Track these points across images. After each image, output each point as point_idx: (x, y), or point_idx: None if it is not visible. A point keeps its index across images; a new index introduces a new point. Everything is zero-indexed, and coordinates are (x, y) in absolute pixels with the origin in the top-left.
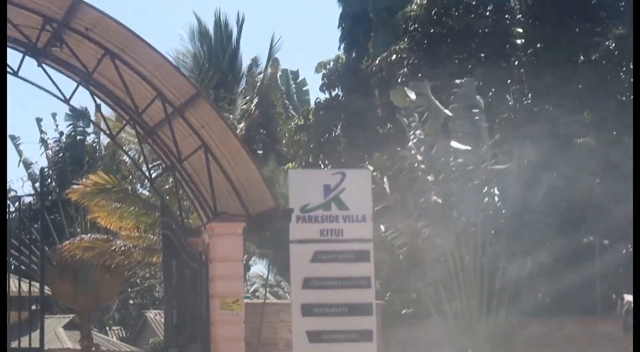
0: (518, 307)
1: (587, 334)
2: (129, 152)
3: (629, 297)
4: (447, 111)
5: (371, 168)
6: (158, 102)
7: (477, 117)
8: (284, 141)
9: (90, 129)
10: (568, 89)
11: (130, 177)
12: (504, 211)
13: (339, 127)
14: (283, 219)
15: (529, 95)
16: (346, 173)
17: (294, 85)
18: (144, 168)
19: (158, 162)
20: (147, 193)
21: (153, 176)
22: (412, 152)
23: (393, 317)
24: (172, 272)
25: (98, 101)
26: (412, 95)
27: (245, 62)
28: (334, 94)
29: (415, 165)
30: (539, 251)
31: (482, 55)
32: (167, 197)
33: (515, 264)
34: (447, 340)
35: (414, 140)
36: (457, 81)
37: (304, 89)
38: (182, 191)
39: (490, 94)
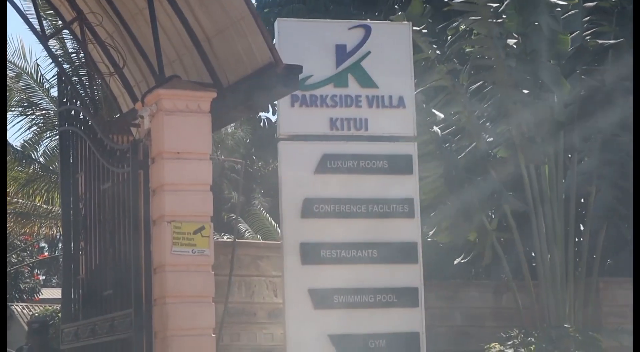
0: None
1: None
2: None
3: None
4: None
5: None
6: None
7: None
8: None
9: None
10: None
11: None
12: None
13: None
14: (286, 85)
15: None
16: (372, 27)
17: None
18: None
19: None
20: (20, 142)
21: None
22: None
23: (438, 270)
24: (78, 192)
25: None
26: None
27: None
28: None
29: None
30: None
31: None
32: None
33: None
34: (519, 307)
35: None
36: None
37: None
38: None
39: None
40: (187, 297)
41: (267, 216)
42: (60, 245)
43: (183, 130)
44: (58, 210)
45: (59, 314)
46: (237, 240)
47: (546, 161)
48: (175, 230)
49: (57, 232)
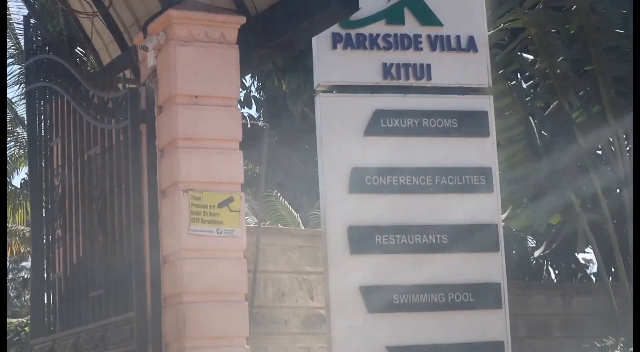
0: None
1: None
2: None
3: None
4: None
5: None
6: None
7: None
8: None
9: None
10: None
11: None
12: None
13: None
14: (342, 4)
15: None
16: None
17: None
18: None
19: None
20: None
21: None
22: None
23: (515, 262)
24: (52, 166)
25: None
26: None
27: None
28: None
29: None
30: None
31: None
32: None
33: None
34: (614, 309)
35: None
36: None
37: None
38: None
39: None
40: (212, 294)
41: (286, 203)
42: (11, 274)
43: (202, 66)
44: (12, 227)
45: (26, 328)
46: (262, 226)
47: None
48: (194, 202)
49: (10, 254)
